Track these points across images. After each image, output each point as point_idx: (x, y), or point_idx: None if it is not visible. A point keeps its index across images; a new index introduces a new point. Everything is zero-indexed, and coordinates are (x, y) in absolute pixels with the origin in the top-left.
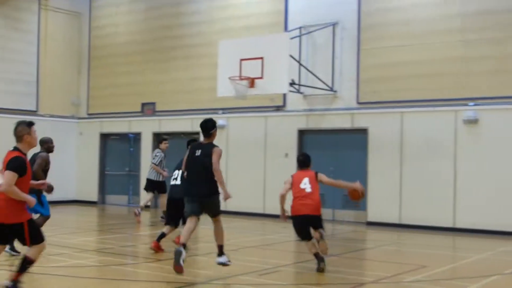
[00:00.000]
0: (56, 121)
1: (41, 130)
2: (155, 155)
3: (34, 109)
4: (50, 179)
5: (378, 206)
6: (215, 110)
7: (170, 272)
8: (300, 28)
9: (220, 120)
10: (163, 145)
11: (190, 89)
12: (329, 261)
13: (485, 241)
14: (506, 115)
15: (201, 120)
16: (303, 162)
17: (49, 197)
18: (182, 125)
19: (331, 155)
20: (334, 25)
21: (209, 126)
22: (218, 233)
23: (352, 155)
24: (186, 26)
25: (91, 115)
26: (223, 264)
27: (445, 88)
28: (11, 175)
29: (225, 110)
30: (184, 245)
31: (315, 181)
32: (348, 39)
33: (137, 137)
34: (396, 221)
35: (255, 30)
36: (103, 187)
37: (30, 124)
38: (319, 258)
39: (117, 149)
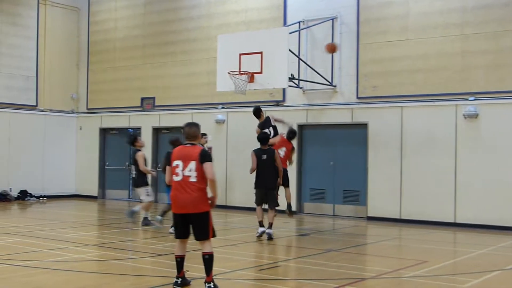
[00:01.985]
0: (55, 115)
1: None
2: None
3: (33, 104)
4: (50, 173)
5: (378, 201)
6: (214, 105)
7: (170, 267)
8: (299, 22)
9: (219, 115)
10: (203, 140)
11: (189, 84)
12: (329, 256)
13: (486, 236)
14: (506, 109)
15: (200, 114)
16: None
17: (48, 191)
18: (181, 120)
19: (331, 150)
20: (333, 19)
21: (267, 137)
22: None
23: (352, 150)
24: (185, 21)
25: (90, 110)
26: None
27: (445, 82)
28: (212, 166)
29: (224, 104)
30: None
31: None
32: (347, 33)
33: (136, 131)
34: (397, 216)
35: (254, 25)
36: (103, 182)
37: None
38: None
39: (116, 144)
